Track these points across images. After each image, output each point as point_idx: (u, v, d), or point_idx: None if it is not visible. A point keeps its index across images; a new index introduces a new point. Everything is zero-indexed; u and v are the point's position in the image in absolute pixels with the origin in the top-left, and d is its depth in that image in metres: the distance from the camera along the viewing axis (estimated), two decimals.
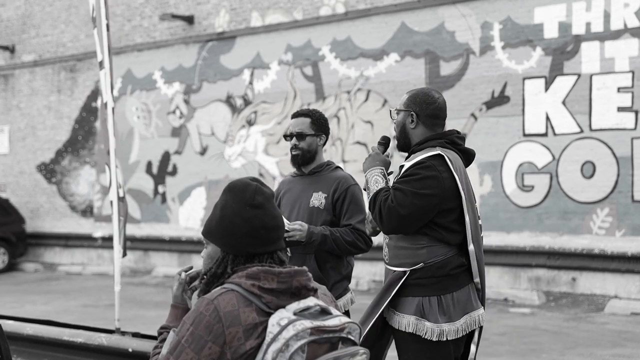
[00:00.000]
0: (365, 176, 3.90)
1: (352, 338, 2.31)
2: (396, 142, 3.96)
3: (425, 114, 3.81)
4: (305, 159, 4.52)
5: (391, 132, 13.63)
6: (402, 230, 3.71)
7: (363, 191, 4.16)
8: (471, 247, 3.73)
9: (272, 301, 2.28)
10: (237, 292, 2.29)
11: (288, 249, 4.39)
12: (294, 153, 4.52)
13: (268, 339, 2.19)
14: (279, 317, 2.22)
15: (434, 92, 3.89)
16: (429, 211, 3.65)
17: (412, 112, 3.82)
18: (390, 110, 3.97)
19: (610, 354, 8.19)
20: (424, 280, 3.69)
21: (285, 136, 4.60)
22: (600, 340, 8.88)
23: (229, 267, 2.38)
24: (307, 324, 2.21)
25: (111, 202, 5.81)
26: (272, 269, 2.32)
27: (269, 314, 2.26)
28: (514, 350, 8.34)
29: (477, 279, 3.78)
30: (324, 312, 2.30)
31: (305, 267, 2.40)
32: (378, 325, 3.77)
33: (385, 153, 3.98)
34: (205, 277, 2.43)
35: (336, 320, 2.28)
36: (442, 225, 3.69)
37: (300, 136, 4.50)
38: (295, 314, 2.24)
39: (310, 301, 2.30)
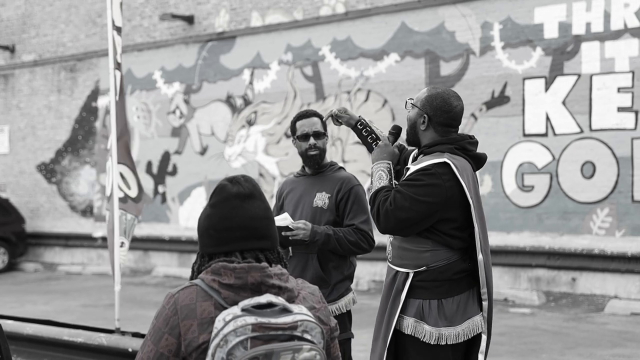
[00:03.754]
0: (371, 169, 3.85)
1: (309, 337, 2.25)
2: (406, 134, 3.89)
3: (437, 120, 3.71)
4: (321, 158, 4.51)
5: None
6: (398, 232, 3.70)
7: (367, 191, 4.14)
8: (480, 256, 3.66)
9: (229, 297, 2.29)
10: (199, 286, 2.32)
11: (290, 248, 4.41)
12: (312, 153, 4.47)
13: (213, 334, 2.21)
14: (227, 313, 2.22)
15: (454, 98, 3.74)
16: (427, 218, 3.62)
17: (424, 114, 3.72)
18: (406, 101, 3.86)
19: (610, 354, 8.19)
20: (426, 283, 3.67)
21: (298, 137, 4.51)
22: (600, 341, 8.88)
23: (196, 265, 2.44)
24: (250, 320, 2.19)
25: (109, 198, 5.80)
26: (229, 265, 2.33)
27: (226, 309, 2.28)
28: (513, 350, 8.34)
29: (483, 289, 3.70)
30: (284, 311, 2.26)
31: (264, 264, 2.35)
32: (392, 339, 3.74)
33: (395, 144, 3.92)
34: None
35: (289, 318, 2.24)
36: (444, 232, 3.66)
37: (317, 135, 4.47)
38: (243, 310, 2.23)
39: (264, 298, 2.26)
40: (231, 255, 2.37)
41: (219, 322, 2.21)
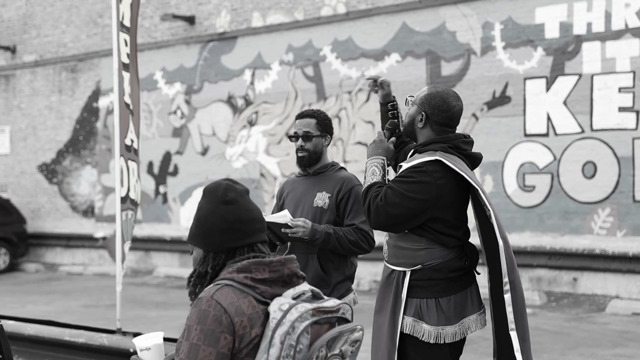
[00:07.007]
0: (366, 164, 3.87)
1: (347, 317, 2.44)
2: (402, 128, 3.91)
3: (435, 119, 3.73)
4: (311, 160, 4.51)
5: None
6: (388, 228, 3.70)
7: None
8: (501, 242, 3.60)
9: (267, 291, 2.35)
10: (232, 286, 2.35)
11: (288, 244, 4.42)
12: (300, 155, 4.50)
13: (272, 324, 2.26)
14: (280, 303, 2.29)
15: (453, 98, 3.74)
16: (417, 215, 3.62)
17: (423, 112, 3.75)
18: (407, 98, 3.89)
19: (612, 354, 8.19)
20: (423, 282, 3.67)
21: (290, 137, 4.58)
22: (602, 341, 8.88)
23: (210, 266, 2.45)
24: (308, 305, 2.30)
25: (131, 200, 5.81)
26: (262, 260, 2.39)
27: (266, 303, 2.34)
28: None
29: (505, 279, 3.59)
30: (316, 297, 2.41)
31: (293, 255, 2.48)
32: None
33: (391, 140, 3.94)
34: (191, 280, 2.49)
35: (331, 302, 2.40)
36: (438, 230, 3.66)
37: (306, 137, 4.48)
38: (293, 298, 2.33)
39: (304, 287, 2.40)
40: (253, 247, 2.45)
41: (275, 313, 2.27)
